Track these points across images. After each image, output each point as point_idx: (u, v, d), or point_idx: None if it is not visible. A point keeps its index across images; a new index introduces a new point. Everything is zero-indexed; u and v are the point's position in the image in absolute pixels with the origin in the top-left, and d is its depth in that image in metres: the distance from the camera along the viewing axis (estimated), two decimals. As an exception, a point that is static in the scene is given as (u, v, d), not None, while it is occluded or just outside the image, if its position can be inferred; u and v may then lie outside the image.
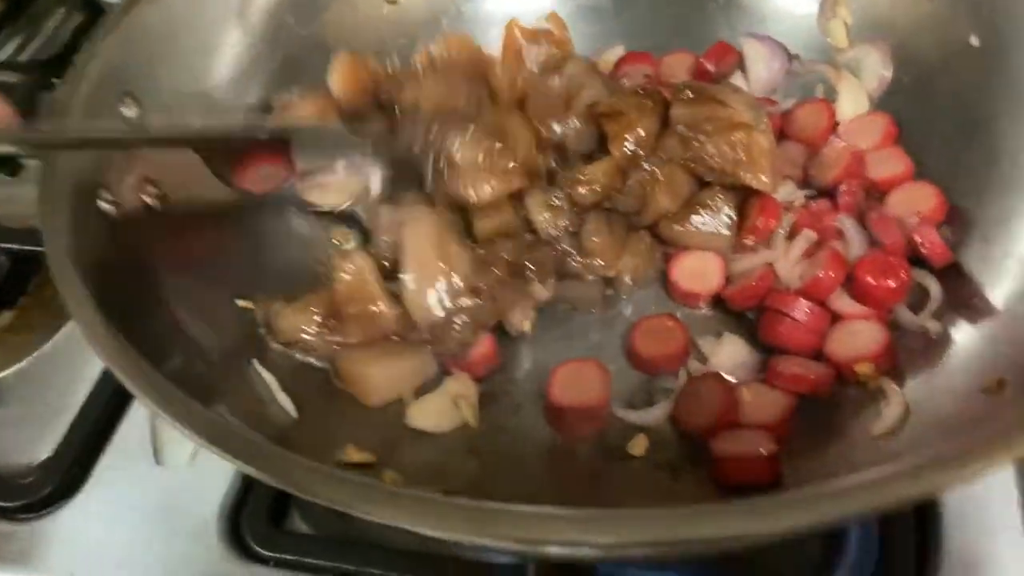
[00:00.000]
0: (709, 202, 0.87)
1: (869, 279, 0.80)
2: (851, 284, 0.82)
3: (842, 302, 0.82)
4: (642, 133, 0.88)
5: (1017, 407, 0.65)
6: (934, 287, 0.81)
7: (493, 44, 1.04)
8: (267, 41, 0.94)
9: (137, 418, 0.91)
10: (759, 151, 0.84)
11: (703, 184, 0.89)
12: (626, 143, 0.88)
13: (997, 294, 0.78)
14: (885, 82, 0.95)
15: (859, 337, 0.79)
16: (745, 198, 0.88)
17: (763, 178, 0.85)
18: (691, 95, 0.87)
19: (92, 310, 0.63)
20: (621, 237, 0.89)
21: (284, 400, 0.77)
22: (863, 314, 0.81)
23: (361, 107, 0.92)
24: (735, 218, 0.87)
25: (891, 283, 0.80)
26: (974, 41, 0.88)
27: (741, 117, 0.84)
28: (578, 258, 0.87)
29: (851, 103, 0.95)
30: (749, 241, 0.87)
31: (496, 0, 1.08)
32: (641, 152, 0.88)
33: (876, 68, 0.94)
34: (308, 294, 0.84)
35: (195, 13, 0.88)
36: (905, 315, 0.81)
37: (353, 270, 0.82)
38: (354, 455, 0.73)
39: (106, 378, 0.93)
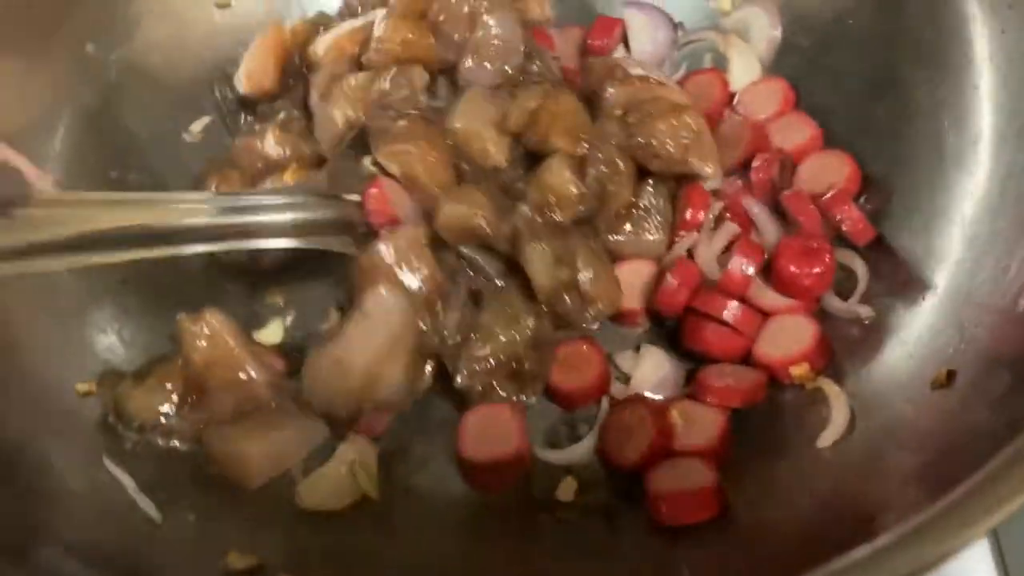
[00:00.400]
0: (644, 203, 0.77)
1: (791, 267, 0.72)
2: (772, 274, 0.74)
3: (765, 296, 0.74)
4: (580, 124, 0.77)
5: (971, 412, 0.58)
6: (860, 268, 0.74)
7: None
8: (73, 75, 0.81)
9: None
10: (706, 136, 0.75)
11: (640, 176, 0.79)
12: (579, 143, 0.76)
13: (931, 268, 0.71)
14: (775, 43, 0.87)
15: (788, 334, 0.72)
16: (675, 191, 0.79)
17: (709, 167, 0.76)
18: (623, 74, 0.78)
19: None
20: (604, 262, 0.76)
21: (145, 503, 0.65)
22: (789, 307, 0.73)
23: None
24: (671, 217, 0.78)
25: (815, 269, 0.72)
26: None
27: (678, 98, 0.75)
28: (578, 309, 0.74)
29: (743, 70, 0.87)
30: (680, 237, 0.77)
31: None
32: (586, 145, 0.76)
33: (765, 29, 0.87)
34: (160, 367, 0.72)
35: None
36: (834, 303, 0.73)
37: (209, 335, 0.70)
38: (238, 561, 0.61)
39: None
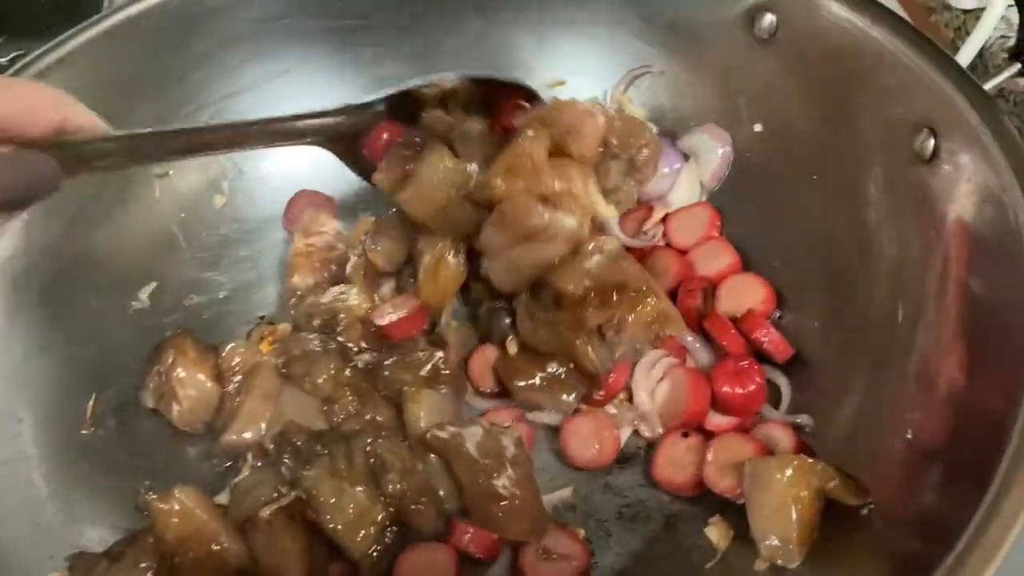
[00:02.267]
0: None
1: (726, 388, 0.79)
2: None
3: (709, 418, 0.80)
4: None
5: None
6: (783, 383, 0.81)
7: (279, 202, 0.99)
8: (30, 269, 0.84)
9: None
10: (670, 310, 0.79)
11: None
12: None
13: (845, 380, 0.78)
14: (724, 165, 0.93)
15: (731, 453, 0.77)
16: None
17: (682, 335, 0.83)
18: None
19: None
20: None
21: None
22: (731, 425, 0.79)
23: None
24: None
25: (749, 388, 0.79)
26: (758, 128, 0.91)
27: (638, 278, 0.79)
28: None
29: (687, 192, 0.94)
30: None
31: (282, 153, 0.99)
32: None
33: (712, 153, 0.93)
34: (133, 545, 0.73)
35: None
36: (773, 414, 0.80)
37: (180, 511, 0.71)
38: None
39: None
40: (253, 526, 0.73)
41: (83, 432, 0.84)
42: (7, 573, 0.71)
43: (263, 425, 0.80)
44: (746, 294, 0.86)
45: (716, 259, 0.89)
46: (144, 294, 0.93)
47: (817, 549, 0.68)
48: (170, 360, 0.84)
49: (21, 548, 0.73)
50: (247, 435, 0.81)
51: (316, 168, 1.00)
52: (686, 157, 0.95)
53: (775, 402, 0.81)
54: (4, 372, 0.81)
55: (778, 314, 0.86)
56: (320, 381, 0.82)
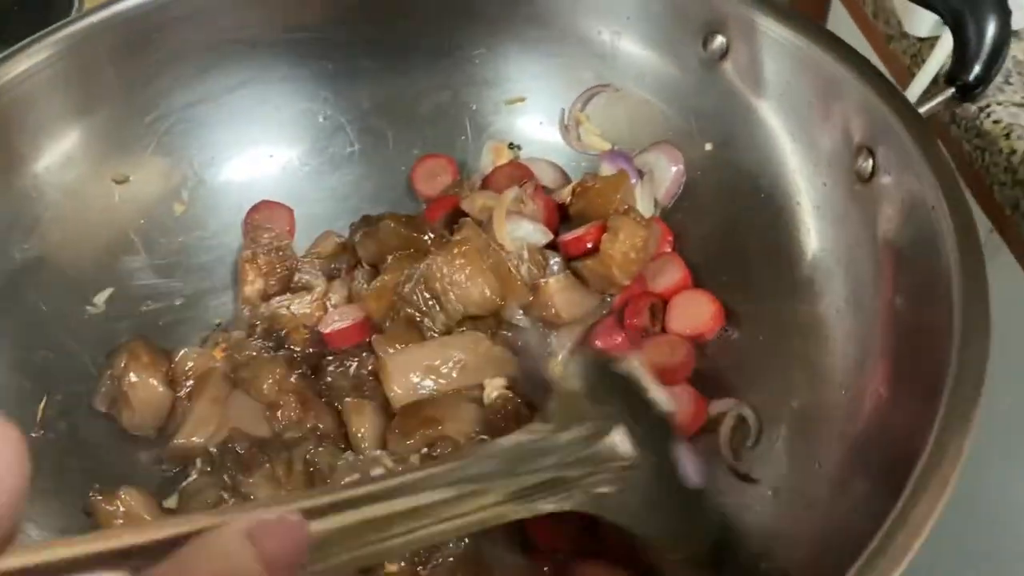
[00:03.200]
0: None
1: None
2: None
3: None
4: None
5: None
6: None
7: (241, 204, 1.00)
8: None
9: None
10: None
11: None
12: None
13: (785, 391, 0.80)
14: (677, 184, 0.95)
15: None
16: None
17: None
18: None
19: None
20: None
21: None
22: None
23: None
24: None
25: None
26: (708, 147, 0.93)
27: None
28: None
29: (642, 208, 0.94)
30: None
31: (244, 164, 1.01)
32: None
33: (666, 171, 0.95)
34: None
35: None
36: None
37: (125, 512, 0.72)
38: None
39: None
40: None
41: (32, 435, 0.83)
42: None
43: (211, 430, 0.81)
44: (696, 310, 0.87)
45: (667, 274, 0.90)
46: (100, 299, 0.93)
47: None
48: (123, 364, 0.84)
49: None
50: (196, 439, 0.81)
51: (277, 179, 1.03)
52: (641, 174, 0.97)
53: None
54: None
55: (727, 330, 0.88)
56: (264, 387, 0.83)
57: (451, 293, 0.83)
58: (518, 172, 0.99)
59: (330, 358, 0.86)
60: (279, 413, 0.82)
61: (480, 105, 1.04)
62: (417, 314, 0.85)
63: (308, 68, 1.01)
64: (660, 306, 0.88)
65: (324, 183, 1.04)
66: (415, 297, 0.83)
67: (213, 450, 0.79)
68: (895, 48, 1.06)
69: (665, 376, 0.82)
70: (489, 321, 0.87)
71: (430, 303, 0.83)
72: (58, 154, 0.89)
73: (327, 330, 0.86)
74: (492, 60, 1.01)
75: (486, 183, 1.00)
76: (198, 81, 0.96)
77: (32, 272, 0.88)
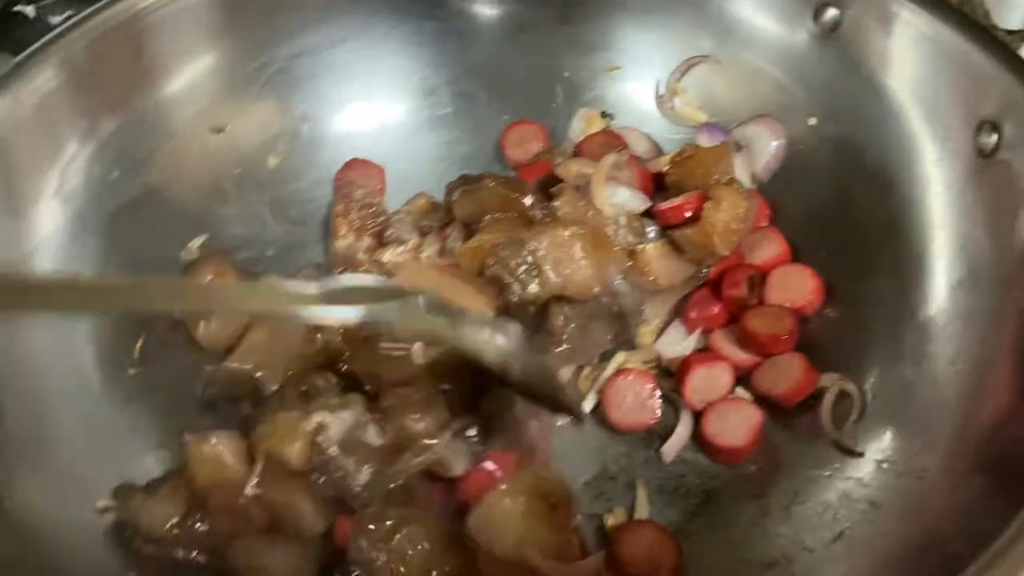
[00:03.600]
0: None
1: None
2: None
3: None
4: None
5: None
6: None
7: (334, 161, 1.00)
8: (93, 201, 0.85)
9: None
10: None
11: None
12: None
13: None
14: (777, 159, 0.94)
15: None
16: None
17: None
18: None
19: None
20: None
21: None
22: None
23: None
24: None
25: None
26: (812, 121, 0.92)
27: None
28: None
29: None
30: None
31: (339, 120, 1.02)
32: None
33: (766, 145, 0.94)
34: (170, 482, 0.74)
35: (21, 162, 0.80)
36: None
37: (213, 458, 0.72)
38: None
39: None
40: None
41: (131, 372, 0.84)
42: (62, 496, 0.72)
43: (258, 359, 0.81)
44: (796, 285, 0.86)
45: (765, 248, 0.89)
46: (194, 244, 0.94)
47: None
48: (208, 278, 0.86)
49: (77, 471, 0.74)
50: (243, 365, 0.82)
51: (370, 137, 1.03)
52: (739, 147, 0.95)
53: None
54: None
55: (827, 306, 0.86)
56: None
57: (552, 271, 0.82)
58: (611, 140, 0.98)
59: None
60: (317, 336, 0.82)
61: (574, 72, 1.04)
62: (508, 276, 0.84)
63: (409, 26, 1.01)
64: (758, 279, 0.87)
65: (416, 144, 1.04)
66: (513, 262, 0.82)
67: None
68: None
69: (770, 345, 0.81)
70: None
71: (529, 273, 0.82)
72: (175, 87, 0.91)
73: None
74: (596, 27, 1.01)
75: (579, 150, 0.99)
76: (301, 33, 0.97)
77: (135, 212, 0.89)
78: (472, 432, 0.74)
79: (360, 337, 0.79)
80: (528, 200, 0.88)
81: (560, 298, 0.82)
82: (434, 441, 0.71)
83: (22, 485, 0.70)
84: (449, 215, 0.93)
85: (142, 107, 0.90)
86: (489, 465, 0.73)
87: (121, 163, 0.88)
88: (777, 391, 0.81)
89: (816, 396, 0.80)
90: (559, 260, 0.82)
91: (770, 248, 0.89)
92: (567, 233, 0.82)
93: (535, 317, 0.83)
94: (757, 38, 0.94)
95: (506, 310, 0.81)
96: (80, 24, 0.85)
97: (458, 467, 0.73)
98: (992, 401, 0.67)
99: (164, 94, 0.91)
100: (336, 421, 0.71)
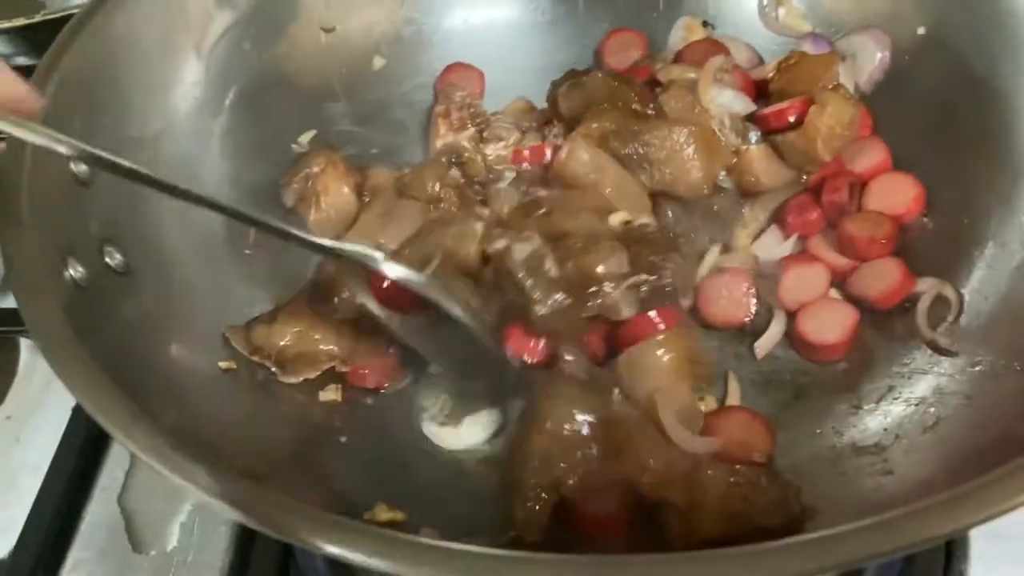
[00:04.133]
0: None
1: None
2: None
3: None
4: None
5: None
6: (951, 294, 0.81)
7: (435, 65, 1.03)
8: (222, 74, 0.89)
9: (105, 501, 0.82)
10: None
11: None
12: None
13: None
14: (881, 70, 0.93)
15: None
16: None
17: None
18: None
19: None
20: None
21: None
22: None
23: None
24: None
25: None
26: (921, 31, 0.91)
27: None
28: None
29: None
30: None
31: (441, 25, 1.04)
32: None
33: (871, 56, 0.93)
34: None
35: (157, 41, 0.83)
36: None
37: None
38: (384, 514, 0.67)
39: (61, 458, 0.84)
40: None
41: (246, 252, 0.89)
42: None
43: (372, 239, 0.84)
44: (897, 193, 0.86)
45: (868, 156, 0.89)
46: (304, 138, 0.98)
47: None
48: (318, 169, 0.89)
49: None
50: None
51: (470, 42, 1.05)
52: (843, 58, 0.95)
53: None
54: (206, 164, 0.88)
55: (926, 215, 0.86)
56: (428, 185, 0.88)
57: (666, 167, 0.83)
58: (714, 48, 0.98)
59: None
60: (441, 206, 0.87)
61: (676, -20, 1.04)
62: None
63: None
64: (859, 186, 0.88)
65: (516, 50, 1.06)
66: (626, 151, 0.84)
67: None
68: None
69: (868, 249, 0.82)
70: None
71: (642, 165, 0.84)
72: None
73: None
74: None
75: (679, 57, 0.99)
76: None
77: (257, 95, 0.93)
78: (644, 288, 0.76)
79: None
80: (635, 92, 0.89)
81: (665, 194, 0.84)
82: (613, 285, 0.74)
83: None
84: (549, 114, 0.95)
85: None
86: (655, 316, 0.75)
87: (253, 37, 0.91)
88: (872, 293, 0.82)
89: (912, 300, 0.81)
90: (670, 158, 0.83)
91: (873, 156, 0.89)
92: (682, 132, 0.83)
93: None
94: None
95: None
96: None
97: (626, 312, 0.75)
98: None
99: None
100: (519, 244, 0.74)
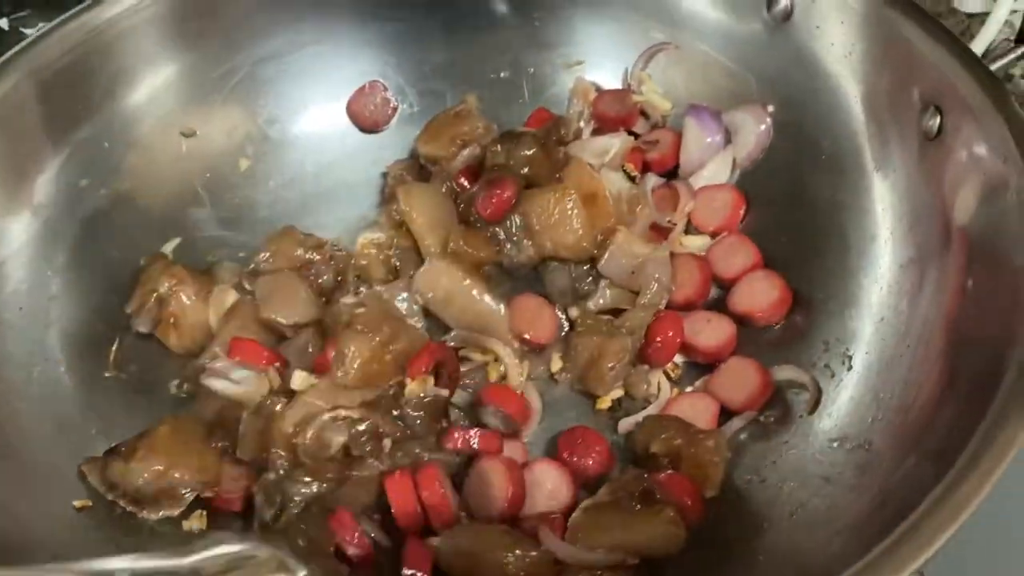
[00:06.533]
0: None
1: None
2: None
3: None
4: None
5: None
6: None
7: (302, 166, 1.03)
8: (63, 210, 0.88)
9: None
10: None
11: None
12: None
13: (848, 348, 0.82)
14: (760, 148, 0.94)
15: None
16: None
17: None
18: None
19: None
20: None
21: None
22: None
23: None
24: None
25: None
26: (770, 108, 0.94)
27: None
28: None
29: (718, 169, 0.95)
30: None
31: (306, 122, 1.04)
32: None
33: (752, 130, 0.94)
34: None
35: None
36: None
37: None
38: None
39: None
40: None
41: (106, 375, 0.87)
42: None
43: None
44: (761, 293, 0.87)
45: (736, 257, 0.90)
46: (168, 248, 0.95)
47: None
48: (165, 288, 0.88)
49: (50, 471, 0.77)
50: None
51: (337, 139, 1.05)
52: (727, 134, 0.96)
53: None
54: (38, 309, 0.85)
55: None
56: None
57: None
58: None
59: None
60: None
61: (538, 68, 1.06)
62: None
63: (372, 30, 1.03)
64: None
65: (381, 143, 1.06)
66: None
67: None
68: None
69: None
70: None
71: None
72: (143, 94, 0.93)
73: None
74: (553, 23, 1.03)
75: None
76: (264, 38, 0.99)
77: (107, 219, 0.91)
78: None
79: None
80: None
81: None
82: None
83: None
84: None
85: (111, 115, 0.91)
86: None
87: (91, 172, 0.90)
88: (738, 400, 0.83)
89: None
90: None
91: (741, 259, 0.90)
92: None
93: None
94: (713, 26, 0.96)
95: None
96: (48, 35, 0.86)
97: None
98: (927, 383, 0.70)
99: (132, 101, 0.93)
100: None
